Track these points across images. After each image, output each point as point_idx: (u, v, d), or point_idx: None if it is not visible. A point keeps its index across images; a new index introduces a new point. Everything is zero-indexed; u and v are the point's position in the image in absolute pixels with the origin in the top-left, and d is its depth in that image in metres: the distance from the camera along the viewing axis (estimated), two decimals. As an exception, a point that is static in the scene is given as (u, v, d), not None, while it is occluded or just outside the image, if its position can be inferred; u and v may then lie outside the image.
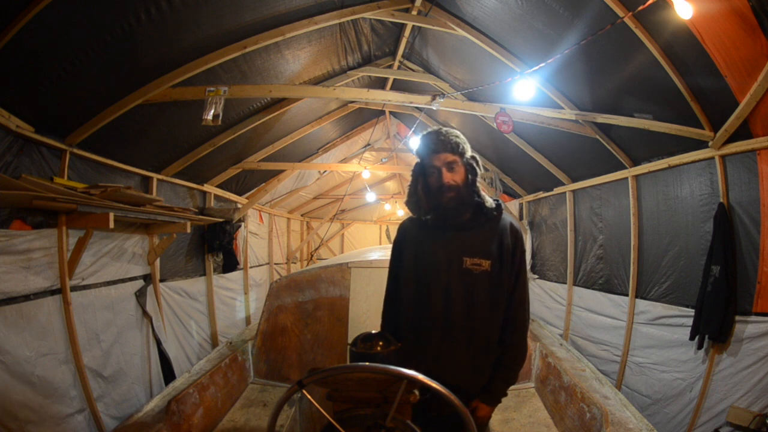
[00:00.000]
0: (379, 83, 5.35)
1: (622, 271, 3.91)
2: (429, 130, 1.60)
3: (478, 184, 1.57)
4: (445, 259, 1.54)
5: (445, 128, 1.57)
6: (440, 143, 1.52)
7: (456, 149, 1.52)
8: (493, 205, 1.59)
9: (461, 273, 1.51)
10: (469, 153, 1.57)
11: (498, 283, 1.52)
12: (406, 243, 1.68)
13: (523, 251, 1.58)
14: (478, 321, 1.52)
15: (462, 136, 1.56)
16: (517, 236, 1.57)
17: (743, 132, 2.57)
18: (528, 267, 5.88)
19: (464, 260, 1.51)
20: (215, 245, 4.80)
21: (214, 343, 4.77)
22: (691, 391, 2.93)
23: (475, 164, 1.57)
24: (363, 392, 1.32)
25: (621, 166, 3.79)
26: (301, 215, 9.84)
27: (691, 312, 2.92)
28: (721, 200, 2.77)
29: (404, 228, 1.73)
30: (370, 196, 9.00)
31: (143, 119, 3.12)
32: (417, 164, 1.63)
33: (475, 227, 1.56)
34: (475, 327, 1.53)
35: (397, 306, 1.68)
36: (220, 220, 4.70)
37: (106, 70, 2.53)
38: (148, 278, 3.71)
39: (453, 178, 1.52)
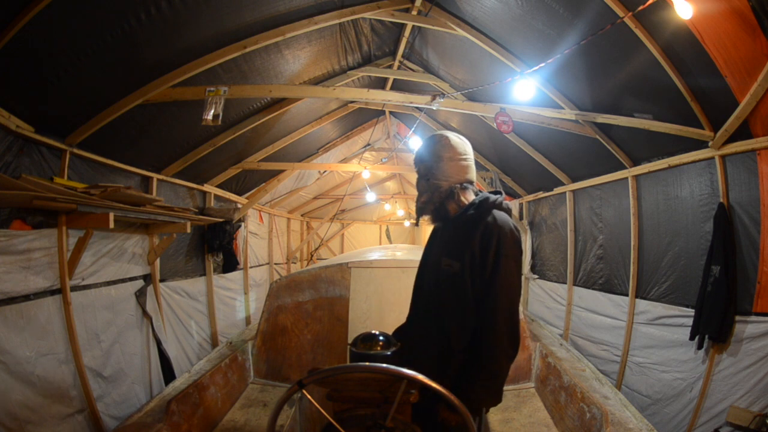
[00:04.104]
0: (379, 83, 5.35)
1: (622, 271, 3.91)
2: None
3: (433, 182, 1.59)
4: (431, 258, 1.64)
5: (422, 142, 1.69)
6: (414, 162, 1.70)
7: (418, 163, 1.66)
8: (476, 203, 1.54)
9: (439, 272, 1.55)
10: (429, 159, 1.60)
11: (463, 287, 1.44)
12: (426, 246, 1.80)
13: (502, 254, 1.41)
14: (444, 321, 1.50)
15: (426, 143, 1.64)
16: (491, 236, 1.41)
17: (743, 132, 2.57)
18: (528, 267, 5.88)
19: (442, 260, 1.55)
20: (215, 245, 4.80)
21: (214, 343, 4.77)
22: (691, 391, 2.93)
23: (433, 168, 1.60)
24: (363, 392, 1.32)
25: (621, 166, 3.79)
26: (301, 215, 9.84)
27: (691, 312, 2.93)
28: (721, 200, 2.77)
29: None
30: (370, 196, 9.00)
31: (143, 119, 3.12)
32: None
33: (458, 227, 1.56)
34: (442, 327, 1.50)
35: None
36: (220, 220, 4.70)
37: (106, 70, 2.53)
38: (148, 278, 3.71)
39: (423, 185, 1.64)
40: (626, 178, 3.77)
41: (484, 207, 1.51)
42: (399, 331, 1.77)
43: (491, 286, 1.41)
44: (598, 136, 3.59)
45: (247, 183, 5.69)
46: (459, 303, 1.47)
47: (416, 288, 1.72)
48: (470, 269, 1.44)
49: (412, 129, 6.50)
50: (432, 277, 1.59)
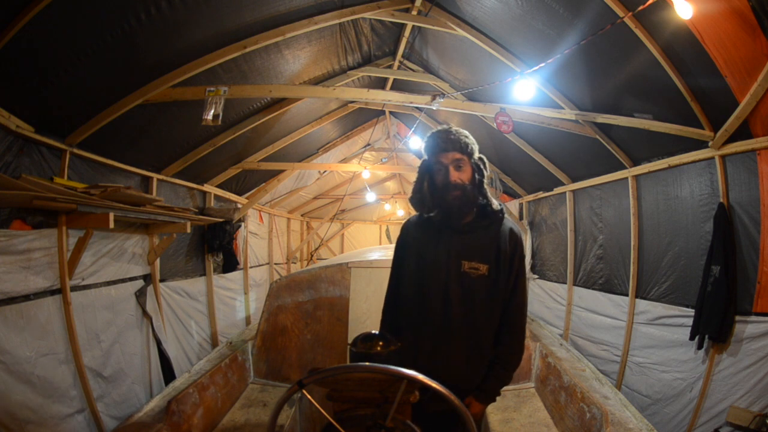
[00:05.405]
0: (379, 83, 5.35)
1: (622, 271, 3.91)
2: (439, 128, 1.61)
3: (485, 186, 1.58)
4: (444, 261, 1.55)
5: (455, 127, 1.58)
6: (449, 141, 1.53)
7: (465, 149, 1.54)
8: (498, 208, 1.60)
9: (459, 276, 1.53)
10: (477, 154, 1.58)
11: (495, 288, 1.54)
12: (408, 243, 1.70)
13: (523, 257, 1.59)
14: (474, 323, 1.55)
15: (471, 137, 1.58)
16: (516, 242, 1.57)
17: (743, 132, 2.57)
18: (528, 267, 5.88)
19: (462, 263, 1.53)
20: (215, 245, 4.79)
21: (214, 343, 4.77)
22: (691, 391, 2.93)
23: (482, 165, 1.59)
24: (363, 392, 1.31)
25: (621, 166, 3.79)
26: (301, 215, 9.84)
27: (691, 312, 2.92)
28: (721, 200, 2.77)
29: (406, 228, 1.74)
30: (370, 196, 9.01)
31: (143, 119, 3.12)
32: (424, 161, 1.66)
33: (475, 230, 1.57)
34: (472, 328, 1.55)
35: (397, 305, 1.70)
36: (220, 220, 4.70)
37: (106, 70, 2.53)
38: (148, 278, 3.71)
39: (460, 176, 1.53)
40: (626, 178, 3.77)
41: (502, 214, 1.60)
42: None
43: (517, 286, 1.57)
44: (598, 136, 3.59)
45: (247, 183, 5.69)
46: (491, 304, 1.55)
47: (420, 294, 1.59)
48: (499, 272, 1.54)
49: (412, 129, 6.50)
50: (452, 280, 1.53)
